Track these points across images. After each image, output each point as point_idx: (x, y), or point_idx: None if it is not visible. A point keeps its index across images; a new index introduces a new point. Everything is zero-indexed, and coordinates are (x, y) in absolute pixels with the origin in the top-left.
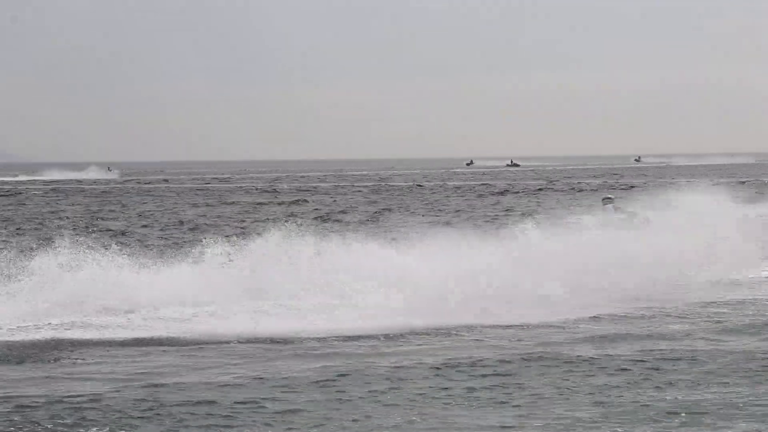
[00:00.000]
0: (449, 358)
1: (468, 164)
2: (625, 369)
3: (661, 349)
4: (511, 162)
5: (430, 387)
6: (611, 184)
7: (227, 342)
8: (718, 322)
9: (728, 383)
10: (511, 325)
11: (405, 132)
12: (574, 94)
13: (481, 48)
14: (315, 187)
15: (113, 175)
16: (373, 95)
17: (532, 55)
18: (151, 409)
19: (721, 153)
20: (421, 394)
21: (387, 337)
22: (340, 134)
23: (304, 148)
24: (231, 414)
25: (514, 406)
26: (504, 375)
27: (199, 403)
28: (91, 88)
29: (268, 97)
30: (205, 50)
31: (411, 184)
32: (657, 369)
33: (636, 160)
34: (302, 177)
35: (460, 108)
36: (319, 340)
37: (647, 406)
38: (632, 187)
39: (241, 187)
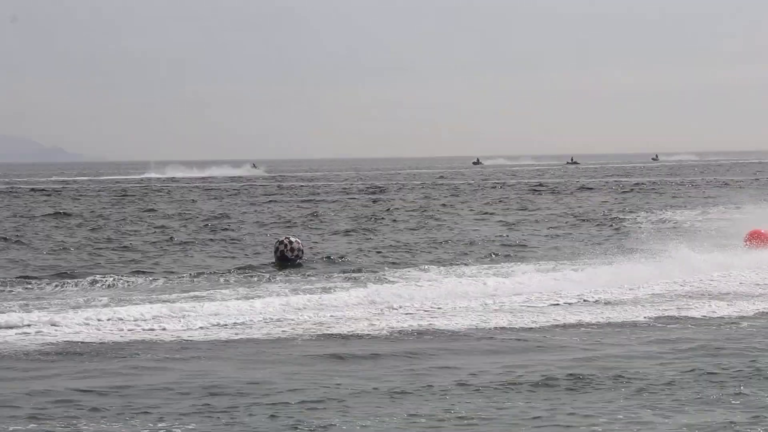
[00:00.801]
0: None
1: (474, 163)
2: None
3: None
4: (572, 160)
5: None
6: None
7: None
8: None
9: None
10: None
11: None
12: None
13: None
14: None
15: (259, 171)
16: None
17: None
18: None
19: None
20: None
21: None
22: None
23: (391, 147)
24: None
25: None
26: None
27: None
28: (149, 89)
29: (341, 96)
30: (271, 51)
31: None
32: None
33: (654, 158)
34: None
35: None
36: None
37: None
38: None
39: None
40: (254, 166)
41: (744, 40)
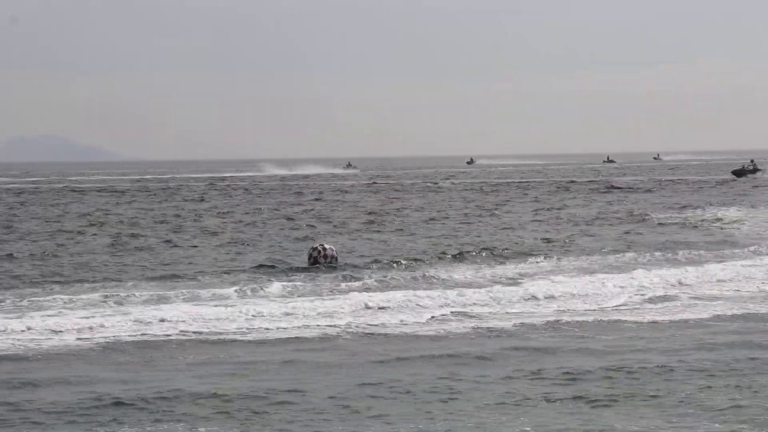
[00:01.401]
0: None
1: (468, 162)
2: None
3: None
4: (608, 158)
5: None
6: None
7: None
8: None
9: None
10: None
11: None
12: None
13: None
14: None
15: (354, 170)
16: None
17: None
18: None
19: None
20: None
21: None
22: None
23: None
24: None
25: None
26: None
27: None
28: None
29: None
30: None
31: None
32: None
33: (655, 157)
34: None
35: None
36: None
37: None
38: None
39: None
40: (350, 165)
41: None
